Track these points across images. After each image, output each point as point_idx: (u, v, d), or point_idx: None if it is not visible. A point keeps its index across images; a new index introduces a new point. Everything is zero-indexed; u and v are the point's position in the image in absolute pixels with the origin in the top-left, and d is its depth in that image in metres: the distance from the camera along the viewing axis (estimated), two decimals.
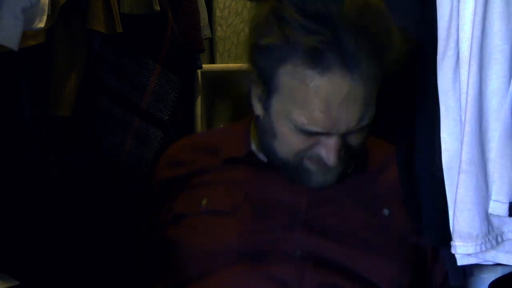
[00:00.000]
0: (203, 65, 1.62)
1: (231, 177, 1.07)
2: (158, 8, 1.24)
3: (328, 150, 0.96)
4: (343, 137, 0.96)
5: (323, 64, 0.90)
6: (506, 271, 1.06)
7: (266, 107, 0.99)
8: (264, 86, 0.98)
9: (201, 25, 1.52)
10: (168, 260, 1.07)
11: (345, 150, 0.98)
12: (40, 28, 1.00)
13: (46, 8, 1.00)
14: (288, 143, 0.98)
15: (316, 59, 0.89)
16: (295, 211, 1.01)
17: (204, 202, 1.04)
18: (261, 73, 0.98)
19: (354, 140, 0.99)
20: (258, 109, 1.02)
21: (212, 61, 1.81)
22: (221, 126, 1.86)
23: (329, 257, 0.98)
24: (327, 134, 0.94)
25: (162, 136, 1.32)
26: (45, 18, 1.00)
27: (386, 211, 1.02)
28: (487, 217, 0.88)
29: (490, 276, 1.09)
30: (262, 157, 1.07)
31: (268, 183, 1.05)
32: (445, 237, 0.99)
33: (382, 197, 1.04)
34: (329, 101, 0.91)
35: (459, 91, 0.92)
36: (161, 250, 1.10)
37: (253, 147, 1.09)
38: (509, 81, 0.87)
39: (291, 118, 0.95)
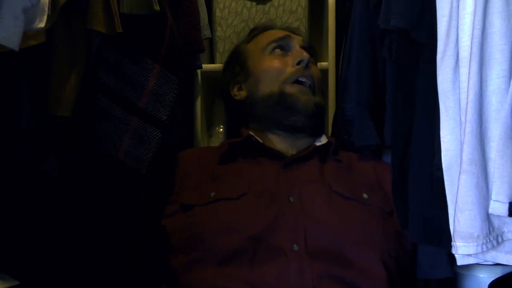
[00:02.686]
0: (203, 65, 1.62)
1: (234, 170, 1.24)
2: (157, 8, 1.24)
3: (297, 52, 1.34)
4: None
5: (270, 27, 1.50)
6: (506, 271, 1.06)
7: (245, 75, 1.38)
8: (238, 65, 1.42)
9: (201, 25, 1.52)
10: (177, 246, 1.16)
11: (311, 72, 1.33)
12: (40, 28, 1.00)
13: (46, 8, 1.00)
14: (269, 71, 1.33)
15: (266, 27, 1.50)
16: (288, 195, 1.16)
17: (212, 194, 1.18)
18: (233, 61, 1.45)
19: (313, 67, 1.36)
20: (241, 93, 1.39)
21: (212, 61, 1.81)
22: (221, 126, 1.86)
23: (322, 242, 1.10)
24: (290, 41, 1.38)
25: (160, 136, 1.32)
26: (45, 18, 1.00)
27: (365, 195, 1.18)
28: (487, 217, 0.88)
29: (490, 276, 1.09)
30: (258, 139, 1.30)
31: (266, 172, 1.22)
32: (432, 235, 1.00)
33: (359, 185, 1.21)
34: (281, 30, 1.46)
35: (459, 91, 0.92)
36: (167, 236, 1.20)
37: (251, 133, 1.31)
38: (509, 81, 0.87)
39: (264, 48, 1.37)
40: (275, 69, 1.33)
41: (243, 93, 1.38)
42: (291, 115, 1.30)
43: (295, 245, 1.08)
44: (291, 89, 1.31)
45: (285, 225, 1.11)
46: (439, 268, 1.06)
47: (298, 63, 1.32)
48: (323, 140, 1.33)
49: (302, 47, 1.36)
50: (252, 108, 1.36)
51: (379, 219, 1.16)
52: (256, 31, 1.45)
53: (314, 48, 1.41)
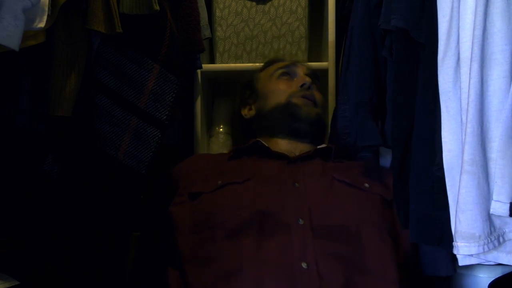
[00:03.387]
0: (203, 65, 1.62)
1: (240, 163, 1.31)
2: (157, 8, 1.24)
3: (301, 76, 1.49)
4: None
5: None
6: (506, 271, 1.06)
7: (255, 98, 1.51)
8: (249, 90, 1.55)
9: (201, 25, 1.52)
10: (186, 228, 1.18)
11: (312, 90, 1.45)
12: (40, 28, 1.00)
13: (46, 8, 1.00)
14: (277, 90, 1.46)
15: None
16: (293, 181, 1.22)
17: (219, 182, 1.23)
18: (246, 90, 1.56)
19: (316, 93, 1.47)
20: (251, 113, 1.51)
21: (212, 61, 1.81)
22: (221, 126, 1.86)
23: (325, 217, 1.14)
24: (296, 68, 1.51)
25: (160, 136, 1.32)
26: (45, 18, 1.00)
27: (366, 184, 1.25)
28: (489, 218, 0.88)
29: (490, 276, 1.09)
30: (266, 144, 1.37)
31: (271, 166, 1.28)
32: (432, 235, 1.00)
33: (361, 176, 1.27)
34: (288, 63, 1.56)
35: (460, 91, 0.92)
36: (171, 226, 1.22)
37: (259, 139, 1.39)
38: (510, 81, 0.87)
39: (272, 74, 1.50)
40: (281, 90, 1.46)
41: (252, 112, 1.50)
42: (295, 122, 1.41)
43: (300, 220, 1.12)
44: (297, 100, 1.43)
45: (290, 204, 1.16)
46: (442, 266, 1.06)
47: (302, 86, 1.45)
48: (323, 146, 1.41)
49: (306, 74, 1.49)
50: (260, 121, 1.47)
51: (379, 206, 1.21)
52: (267, 63, 1.59)
53: (317, 75, 1.54)
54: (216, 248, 1.11)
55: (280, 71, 1.50)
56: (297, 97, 1.43)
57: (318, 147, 1.37)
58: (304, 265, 1.04)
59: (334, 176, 1.25)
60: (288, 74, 1.50)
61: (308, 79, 1.47)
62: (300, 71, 1.51)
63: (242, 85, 1.60)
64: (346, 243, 1.11)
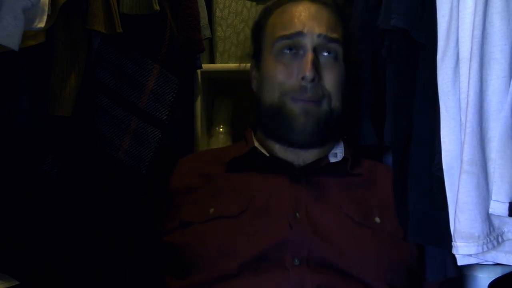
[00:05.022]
0: (203, 65, 1.62)
1: (236, 184, 1.17)
2: (157, 8, 1.24)
3: (303, 63, 1.15)
4: (317, 57, 1.16)
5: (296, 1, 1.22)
6: (506, 271, 1.07)
7: (258, 64, 1.25)
8: (257, 45, 1.27)
9: (201, 25, 1.52)
10: (177, 263, 1.13)
11: (320, 78, 1.16)
12: (40, 28, 1.00)
13: (46, 8, 1.00)
14: (272, 79, 1.18)
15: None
16: (295, 211, 1.10)
17: (211, 211, 1.13)
18: (255, 35, 1.28)
19: (327, 72, 1.17)
20: (254, 84, 1.28)
21: (212, 61, 1.81)
22: (221, 126, 1.86)
23: (327, 260, 1.05)
24: (302, 46, 1.17)
25: (160, 136, 1.32)
26: (45, 18, 1.00)
27: (377, 219, 1.11)
28: (488, 217, 0.88)
29: (490, 276, 1.09)
30: (264, 151, 1.21)
31: (270, 183, 1.15)
32: (431, 235, 1.00)
33: (373, 206, 1.13)
34: (300, 12, 1.19)
35: (459, 91, 0.92)
36: (167, 255, 1.17)
37: (256, 144, 1.23)
38: (510, 81, 0.87)
39: (273, 43, 1.20)
40: (276, 80, 1.17)
41: (254, 82, 1.28)
42: (290, 133, 1.17)
43: (296, 260, 1.04)
44: (291, 106, 1.16)
45: (288, 240, 1.06)
46: (447, 269, 1.05)
47: (302, 78, 1.15)
48: (338, 152, 1.22)
49: (316, 48, 1.17)
50: (259, 108, 1.24)
51: (389, 247, 1.09)
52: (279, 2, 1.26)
53: (335, 40, 1.18)
54: None
55: (281, 43, 1.18)
56: (292, 101, 1.16)
57: (331, 159, 1.19)
58: None
59: (341, 207, 1.11)
60: (293, 48, 1.18)
61: (308, 74, 1.13)
62: (309, 42, 1.16)
63: (252, 26, 1.32)
64: (347, 281, 1.04)
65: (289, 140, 1.19)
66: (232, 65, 1.75)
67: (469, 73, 0.88)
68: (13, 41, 0.89)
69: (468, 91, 0.88)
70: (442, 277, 1.07)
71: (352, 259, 1.06)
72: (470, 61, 0.88)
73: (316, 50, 1.17)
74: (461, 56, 0.91)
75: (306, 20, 1.18)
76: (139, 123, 1.31)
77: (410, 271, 1.10)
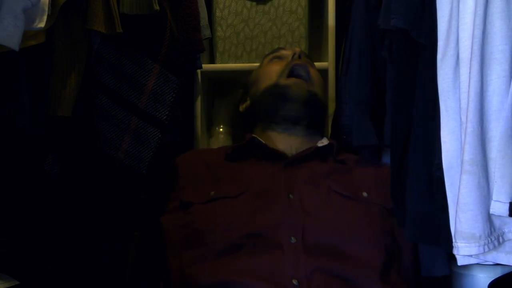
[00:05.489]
0: (203, 65, 1.62)
1: (235, 171, 1.26)
2: (157, 8, 1.24)
3: (290, 52, 1.43)
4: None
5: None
6: (506, 271, 1.06)
7: (249, 89, 1.46)
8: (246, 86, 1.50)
9: (201, 25, 1.52)
10: (177, 243, 1.17)
11: (305, 64, 1.39)
12: (40, 28, 1.00)
13: (46, 8, 1.00)
14: (268, 71, 1.41)
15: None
16: (288, 192, 1.18)
17: (212, 193, 1.20)
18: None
19: (311, 67, 1.42)
20: (245, 104, 1.47)
21: (212, 61, 1.81)
22: (221, 126, 1.86)
23: (321, 236, 1.11)
24: (286, 52, 1.46)
25: (160, 136, 1.32)
26: (45, 18, 1.00)
27: (364, 193, 1.20)
28: (489, 218, 0.88)
29: (490, 276, 1.09)
30: (261, 140, 1.33)
31: (267, 172, 1.23)
32: (430, 234, 1.01)
33: (359, 184, 1.22)
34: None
35: (459, 91, 0.92)
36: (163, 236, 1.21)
37: (255, 136, 1.34)
38: (510, 81, 0.87)
39: (263, 63, 1.47)
40: (271, 70, 1.41)
41: (247, 103, 1.46)
42: (285, 104, 1.34)
43: (292, 238, 1.09)
44: (285, 81, 1.36)
45: (284, 221, 1.12)
46: (437, 266, 1.06)
47: (292, 57, 1.40)
48: (324, 141, 1.35)
49: (295, 52, 1.43)
50: (254, 110, 1.42)
51: (377, 217, 1.17)
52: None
53: (309, 56, 1.51)
54: (207, 266, 1.09)
55: (268, 57, 1.47)
56: (285, 77, 1.37)
57: (319, 144, 1.32)
58: (295, 282, 1.03)
59: (330, 186, 1.20)
60: (279, 57, 1.45)
61: (297, 49, 1.42)
62: (289, 51, 1.45)
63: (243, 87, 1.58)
64: (340, 261, 1.08)
65: (285, 112, 1.34)
66: (232, 65, 1.75)
67: (470, 73, 0.88)
68: (13, 41, 0.89)
69: (468, 91, 0.88)
70: (433, 274, 1.08)
71: (345, 231, 1.13)
72: (471, 61, 0.88)
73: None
74: (461, 56, 0.91)
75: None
76: (139, 123, 1.31)
77: (395, 241, 1.16)
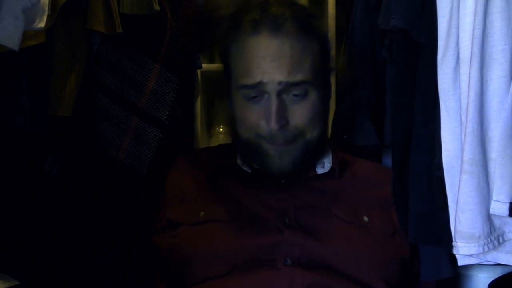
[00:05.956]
0: (203, 65, 1.62)
1: (224, 190, 1.18)
2: (158, 7, 1.24)
3: (269, 112, 1.11)
4: (282, 101, 1.11)
5: (256, 29, 1.12)
6: (506, 271, 1.06)
7: (229, 95, 1.19)
8: (226, 72, 1.20)
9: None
10: (166, 265, 1.13)
11: (289, 122, 1.12)
12: (40, 28, 1.00)
13: (46, 8, 1.00)
14: (243, 120, 1.15)
15: (251, 27, 1.13)
16: (283, 217, 1.11)
17: (202, 214, 1.14)
18: (224, 60, 1.21)
19: (296, 112, 1.12)
20: (230, 105, 1.21)
21: (212, 61, 1.81)
22: (221, 126, 1.86)
23: (317, 259, 1.06)
24: (265, 92, 1.11)
25: (160, 136, 1.32)
26: (45, 18, 1.00)
27: (365, 218, 1.12)
28: (488, 218, 0.88)
29: (490, 276, 1.09)
30: (246, 169, 1.20)
31: (257, 192, 1.15)
32: (431, 235, 1.00)
33: (361, 205, 1.14)
34: (259, 56, 1.11)
35: (460, 91, 0.92)
36: (157, 256, 1.16)
37: (238, 161, 1.21)
38: (510, 81, 0.87)
39: (237, 87, 1.15)
40: (247, 123, 1.15)
41: (230, 105, 1.22)
42: (269, 169, 1.16)
43: (288, 260, 1.05)
44: (267, 147, 1.14)
45: (280, 247, 1.07)
46: (442, 268, 1.06)
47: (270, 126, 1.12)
48: (326, 162, 1.20)
49: (281, 91, 1.11)
50: (236, 137, 1.21)
51: (379, 243, 1.11)
52: (242, 26, 1.16)
53: (298, 83, 1.12)
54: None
55: (246, 91, 1.13)
56: (267, 142, 1.13)
57: (318, 172, 1.19)
58: None
59: (330, 209, 1.12)
60: (258, 95, 1.13)
61: (273, 122, 1.09)
62: (272, 89, 1.10)
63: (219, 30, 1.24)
64: (339, 279, 1.05)
65: (272, 173, 1.17)
66: None
67: (470, 73, 0.88)
68: (13, 41, 0.89)
69: (468, 91, 0.88)
70: (437, 277, 1.08)
71: (346, 256, 1.07)
72: (471, 61, 0.88)
73: (280, 93, 1.12)
74: (461, 56, 0.91)
75: (266, 67, 1.11)
76: (139, 123, 1.31)
77: (403, 267, 1.11)
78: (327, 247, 1.08)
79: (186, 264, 1.09)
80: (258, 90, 1.12)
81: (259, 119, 1.13)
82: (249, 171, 1.20)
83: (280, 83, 1.11)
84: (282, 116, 1.11)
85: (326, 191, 1.16)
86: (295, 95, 1.13)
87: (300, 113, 1.13)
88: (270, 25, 1.12)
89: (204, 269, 1.07)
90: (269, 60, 1.11)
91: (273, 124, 1.10)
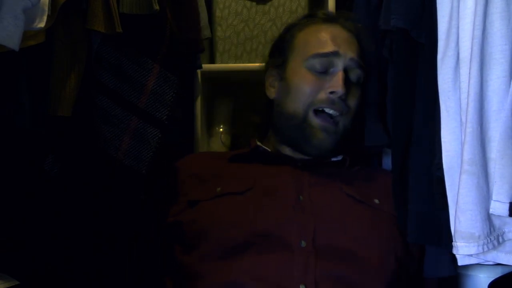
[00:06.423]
0: (203, 65, 1.62)
1: (241, 169, 1.24)
2: (157, 7, 1.24)
3: (335, 79, 1.21)
4: (346, 76, 1.23)
5: (330, 20, 1.32)
6: (506, 271, 1.06)
7: (282, 74, 1.30)
8: (282, 56, 1.31)
9: (201, 25, 1.52)
10: (185, 237, 1.15)
11: (345, 101, 1.23)
12: (40, 28, 1.00)
13: (46, 8, 1.00)
14: (301, 89, 1.24)
15: (327, 18, 1.33)
16: (298, 194, 1.15)
17: (218, 189, 1.18)
18: (280, 48, 1.33)
19: (351, 94, 1.24)
20: (272, 91, 1.32)
21: (212, 61, 1.81)
22: (221, 126, 1.86)
23: (333, 240, 1.08)
24: (334, 66, 1.23)
25: (160, 136, 1.32)
26: (45, 18, 1.00)
27: (376, 200, 1.17)
28: (488, 217, 0.88)
29: (490, 276, 1.09)
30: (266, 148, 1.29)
31: (273, 171, 1.21)
32: (431, 234, 1.00)
33: (372, 190, 1.19)
34: (334, 35, 1.27)
35: (460, 91, 0.92)
36: (173, 234, 1.19)
37: (259, 143, 1.30)
38: (510, 81, 0.87)
39: (306, 58, 1.26)
40: (306, 90, 1.23)
41: (272, 90, 1.32)
42: (307, 146, 1.24)
43: (303, 242, 1.07)
44: (314, 120, 1.22)
45: (293, 221, 1.10)
46: (443, 267, 1.06)
47: (331, 93, 1.21)
48: (338, 156, 1.29)
49: (346, 69, 1.24)
50: (276, 116, 1.30)
51: (388, 224, 1.13)
52: (315, 19, 1.34)
53: (362, 66, 1.26)
54: (213, 264, 1.08)
55: (315, 60, 1.25)
56: (315, 115, 1.22)
57: (332, 159, 1.26)
58: (302, 287, 1.01)
59: (342, 189, 1.17)
60: (324, 65, 1.24)
61: (340, 89, 1.19)
62: (340, 63, 1.23)
63: (283, 32, 1.38)
64: (350, 266, 1.06)
65: (305, 150, 1.25)
66: (232, 65, 1.75)
67: (470, 73, 0.88)
68: (13, 41, 0.89)
69: (468, 91, 0.88)
70: (438, 275, 1.08)
71: (357, 234, 1.10)
72: (471, 61, 0.88)
73: (345, 71, 1.24)
74: (461, 56, 0.91)
75: (342, 42, 1.26)
76: (139, 123, 1.31)
77: (407, 250, 1.14)
78: (338, 227, 1.11)
79: (203, 233, 1.12)
80: (330, 60, 1.24)
81: (319, 88, 1.23)
82: (269, 149, 1.29)
83: (351, 59, 1.25)
84: (345, 87, 1.21)
85: (339, 175, 1.22)
86: (354, 77, 1.26)
87: (353, 96, 1.25)
88: (343, 19, 1.31)
89: (220, 238, 1.10)
90: (343, 39, 1.27)
91: (340, 89, 1.20)
